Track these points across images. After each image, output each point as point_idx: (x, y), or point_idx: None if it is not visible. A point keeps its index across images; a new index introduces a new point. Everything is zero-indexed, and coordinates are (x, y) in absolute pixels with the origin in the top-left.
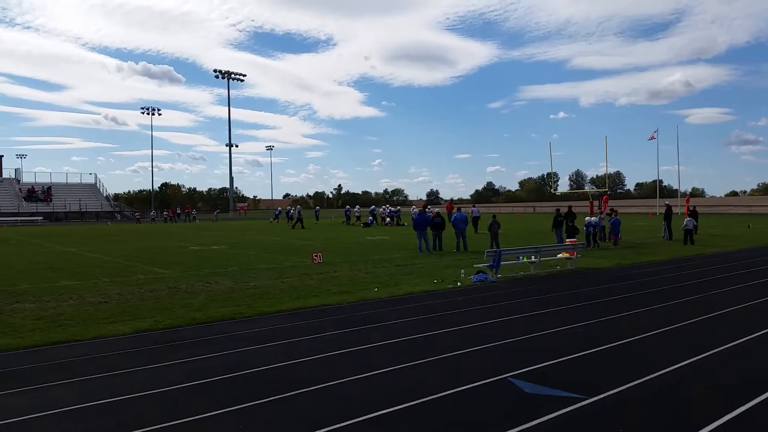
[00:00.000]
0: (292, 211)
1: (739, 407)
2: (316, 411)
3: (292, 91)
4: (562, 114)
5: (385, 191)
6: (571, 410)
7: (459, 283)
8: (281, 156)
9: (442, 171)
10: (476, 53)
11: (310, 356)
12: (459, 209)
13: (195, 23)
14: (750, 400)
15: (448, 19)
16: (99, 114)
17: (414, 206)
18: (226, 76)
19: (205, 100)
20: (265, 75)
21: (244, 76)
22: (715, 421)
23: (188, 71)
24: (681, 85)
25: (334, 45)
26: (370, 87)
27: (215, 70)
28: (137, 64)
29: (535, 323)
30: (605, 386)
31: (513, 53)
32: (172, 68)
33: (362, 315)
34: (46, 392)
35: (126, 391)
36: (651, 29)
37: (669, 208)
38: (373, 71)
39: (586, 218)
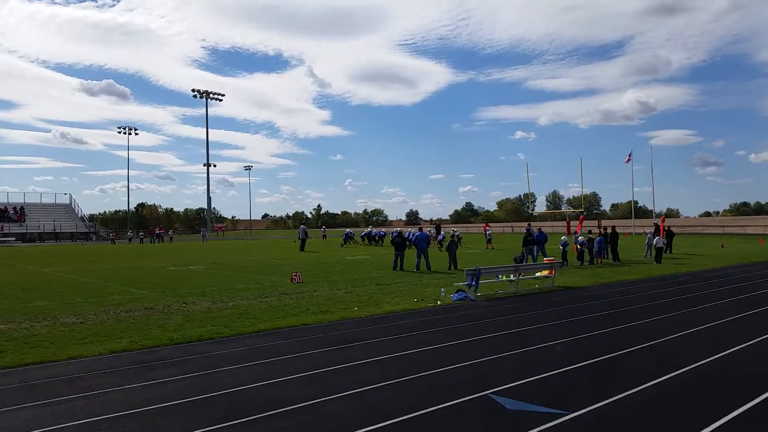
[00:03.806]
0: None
1: (717, 421)
2: (295, 430)
3: (252, 110)
4: (526, 134)
5: (365, 211)
6: (552, 425)
7: (439, 302)
8: (253, 176)
9: (417, 191)
10: (434, 73)
11: (290, 376)
12: (420, 229)
13: (154, 41)
14: (728, 414)
15: (407, 40)
16: (60, 133)
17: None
18: (204, 95)
19: (167, 119)
20: (226, 93)
21: (223, 95)
22: None
23: (148, 89)
24: (642, 106)
25: (294, 65)
26: (330, 105)
27: (193, 90)
28: (100, 81)
29: (514, 340)
30: (585, 401)
31: (470, 73)
32: (131, 86)
33: (342, 334)
34: (18, 414)
35: (102, 411)
36: (604, 49)
37: (657, 227)
38: (333, 90)
39: (579, 238)
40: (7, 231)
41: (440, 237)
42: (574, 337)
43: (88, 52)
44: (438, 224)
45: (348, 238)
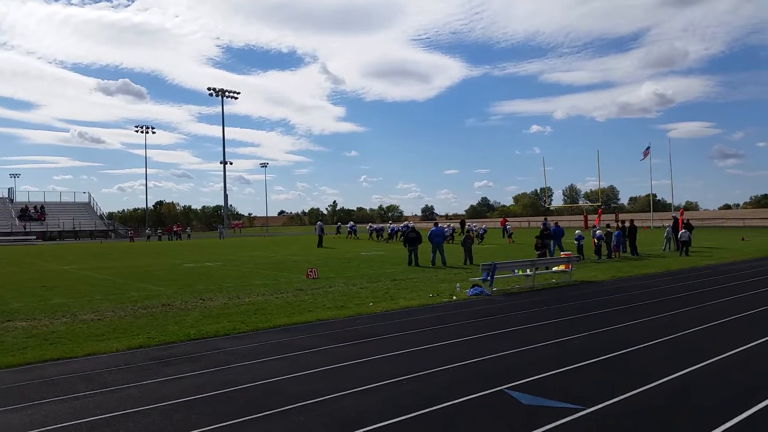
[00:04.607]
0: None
1: (736, 417)
2: (311, 425)
3: (267, 107)
4: (541, 128)
5: (380, 207)
6: (568, 421)
7: (455, 297)
8: (268, 173)
9: (432, 186)
10: (448, 68)
11: (306, 371)
12: (436, 224)
13: (169, 40)
14: (748, 410)
15: (420, 35)
16: (78, 133)
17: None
18: (220, 93)
19: (183, 118)
20: (241, 92)
21: (238, 93)
22: (715, 429)
23: (164, 88)
24: (659, 98)
25: (308, 62)
26: (345, 102)
27: (209, 88)
28: (116, 81)
29: (531, 335)
30: (602, 397)
31: (484, 67)
32: (147, 85)
33: (358, 329)
34: (38, 410)
35: (119, 407)
36: (620, 41)
37: (676, 220)
38: (347, 87)
39: (597, 231)
40: (28, 229)
41: (482, 230)
42: (591, 331)
43: (104, 52)
44: (463, 220)
45: (352, 231)
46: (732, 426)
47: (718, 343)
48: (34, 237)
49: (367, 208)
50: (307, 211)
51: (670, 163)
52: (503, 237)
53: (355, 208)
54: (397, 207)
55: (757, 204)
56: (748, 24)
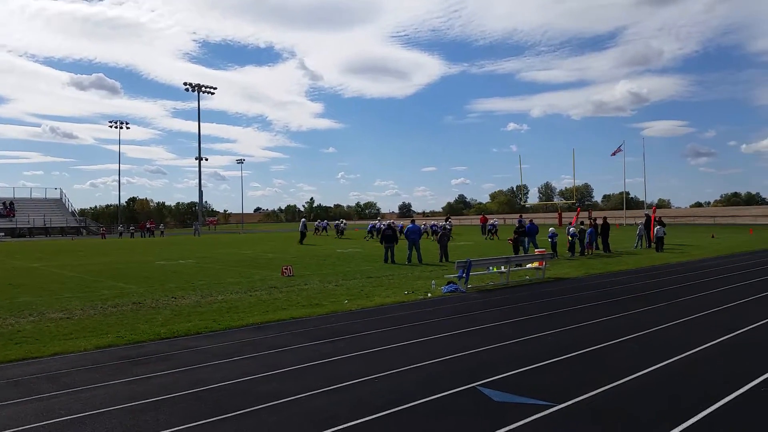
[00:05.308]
0: (341, 224)
1: (705, 410)
2: (283, 424)
3: (244, 103)
4: (518, 126)
5: (357, 204)
6: (539, 417)
7: (430, 294)
8: (244, 169)
9: (410, 183)
10: (426, 66)
11: (279, 369)
12: (412, 221)
13: (144, 34)
14: (716, 402)
15: (399, 32)
16: (50, 128)
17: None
18: (197, 88)
19: (158, 113)
20: (217, 86)
21: (215, 89)
22: (683, 423)
23: (139, 83)
24: (634, 97)
25: (286, 57)
26: (323, 98)
27: (185, 83)
28: (90, 75)
29: (505, 332)
30: (574, 392)
31: (462, 65)
32: (121, 80)
33: (332, 327)
34: (0, 411)
35: (85, 408)
36: (596, 40)
37: (648, 218)
38: (325, 83)
39: (570, 229)
40: None
41: (493, 225)
42: (564, 327)
43: (77, 46)
44: (448, 216)
45: (322, 227)
46: (698, 420)
47: (689, 338)
48: (3, 234)
49: (345, 205)
50: (283, 207)
51: (644, 161)
52: (482, 234)
53: (332, 205)
54: (375, 204)
55: (727, 202)
56: (722, 24)
